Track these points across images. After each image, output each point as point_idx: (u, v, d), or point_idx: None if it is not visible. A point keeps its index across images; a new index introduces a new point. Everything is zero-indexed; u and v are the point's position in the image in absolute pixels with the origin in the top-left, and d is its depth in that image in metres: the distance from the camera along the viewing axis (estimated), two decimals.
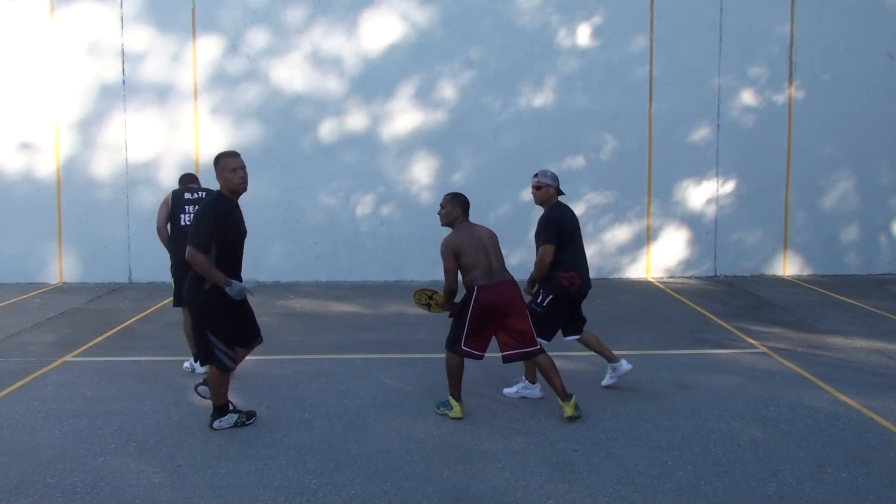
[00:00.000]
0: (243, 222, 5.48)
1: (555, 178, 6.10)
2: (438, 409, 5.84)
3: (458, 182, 11.74)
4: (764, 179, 12.23)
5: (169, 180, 11.76)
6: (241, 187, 5.36)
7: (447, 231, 6.00)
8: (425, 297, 5.98)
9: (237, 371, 6.81)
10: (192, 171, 8.31)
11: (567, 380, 6.61)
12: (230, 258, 5.32)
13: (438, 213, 5.91)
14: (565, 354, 7.44)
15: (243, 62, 11.77)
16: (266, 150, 11.76)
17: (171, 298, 7.34)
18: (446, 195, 5.94)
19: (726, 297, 10.55)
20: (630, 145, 12.03)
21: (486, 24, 11.88)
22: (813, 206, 12.36)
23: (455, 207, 5.83)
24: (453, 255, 5.69)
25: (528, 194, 11.98)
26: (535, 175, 6.14)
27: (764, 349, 7.64)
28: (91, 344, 7.99)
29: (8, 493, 4.47)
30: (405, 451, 5.06)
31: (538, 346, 5.75)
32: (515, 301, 5.68)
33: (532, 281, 6.16)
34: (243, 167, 5.37)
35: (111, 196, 11.81)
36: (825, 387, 6.40)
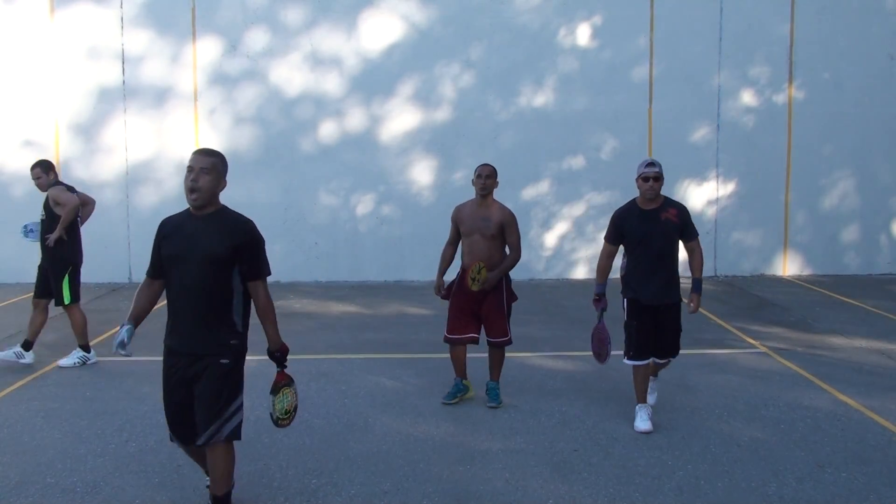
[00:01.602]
0: (195, 241, 3.83)
1: None
2: (501, 403, 5.91)
3: (458, 181, 11.73)
4: (764, 179, 12.22)
5: (169, 180, 11.77)
6: (188, 197, 3.84)
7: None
8: (476, 269, 5.72)
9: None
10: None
11: (567, 379, 6.61)
12: (169, 289, 3.98)
13: (482, 183, 5.76)
14: (565, 354, 7.44)
15: (243, 63, 11.77)
16: (266, 150, 11.76)
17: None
18: (489, 166, 5.87)
19: (726, 297, 10.54)
20: (630, 145, 12.02)
21: (486, 24, 11.88)
22: (813, 206, 12.35)
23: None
24: None
25: (528, 194, 12.03)
26: (652, 164, 5.40)
27: (764, 349, 7.64)
28: (91, 344, 7.98)
29: (8, 493, 4.47)
30: (405, 451, 5.06)
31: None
32: None
33: (700, 285, 5.52)
34: (200, 168, 3.82)
35: (111, 196, 11.81)
36: (825, 387, 6.40)
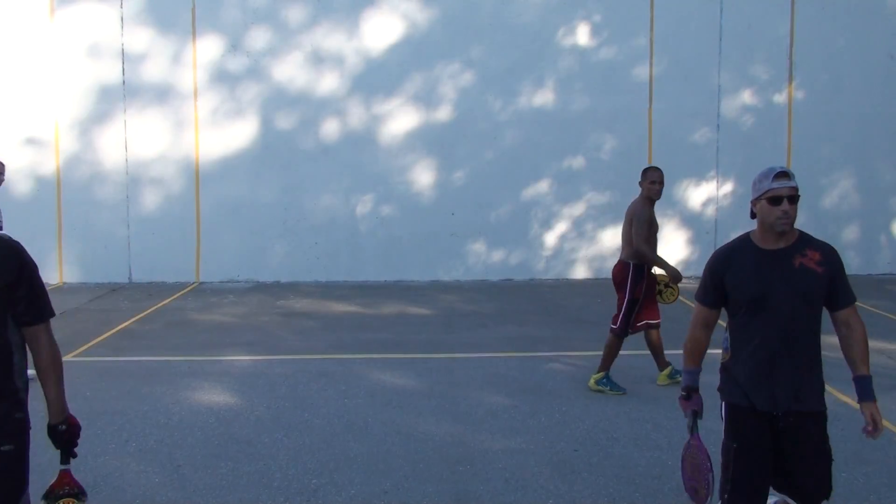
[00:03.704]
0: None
1: None
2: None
3: (458, 181, 11.73)
4: None
5: (169, 180, 11.78)
6: None
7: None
8: (665, 283, 6.53)
9: (236, 371, 6.81)
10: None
11: (567, 379, 6.61)
12: None
13: (658, 189, 6.19)
14: (565, 354, 7.43)
15: (243, 62, 11.77)
16: (266, 149, 11.74)
17: (168, 299, 7.31)
18: (661, 171, 6.25)
19: None
20: (630, 145, 12.02)
21: (487, 24, 11.88)
22: (813, 206, 12.34)
23: None
24: None
25: (528, 193, 12.02)
26: (784, 174, 3.20)
27: None
28: (91, 344, 7.99)
29: None
30: (405, 451, 5.06)
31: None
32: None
33: (871, 385, 3.54)
34: None
35: (111, 196, 11.81)
36: (825, 387, 6.39)
